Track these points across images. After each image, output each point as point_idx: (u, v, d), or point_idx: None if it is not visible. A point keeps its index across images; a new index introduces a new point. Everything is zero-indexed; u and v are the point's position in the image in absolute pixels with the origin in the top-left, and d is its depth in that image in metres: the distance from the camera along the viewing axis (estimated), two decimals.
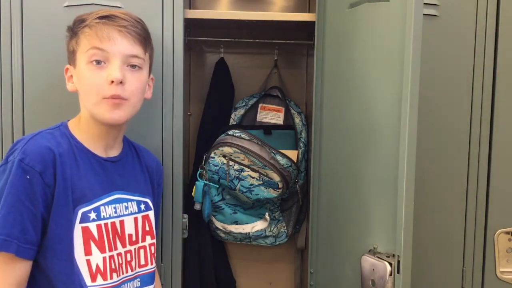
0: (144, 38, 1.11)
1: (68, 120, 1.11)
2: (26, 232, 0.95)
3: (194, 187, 1.60)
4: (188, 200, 1.61)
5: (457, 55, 1.39)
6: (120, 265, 1.08)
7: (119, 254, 1.08)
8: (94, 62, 1.04)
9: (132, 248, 1.12)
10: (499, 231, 1.42)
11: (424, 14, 1.05)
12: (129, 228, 1.12)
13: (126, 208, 1.11)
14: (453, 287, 1.43)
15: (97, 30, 1.05)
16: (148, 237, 1.17)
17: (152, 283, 1.18)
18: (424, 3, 1.05)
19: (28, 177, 0.94)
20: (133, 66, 1.08)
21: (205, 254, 1.71)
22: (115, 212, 1.08)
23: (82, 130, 1.08)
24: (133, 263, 1.12)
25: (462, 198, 1.41)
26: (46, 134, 1.03)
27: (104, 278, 1.04)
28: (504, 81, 1.40)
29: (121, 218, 1.10)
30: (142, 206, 1.16)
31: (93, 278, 1.02)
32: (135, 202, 1.14)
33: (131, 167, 1.18)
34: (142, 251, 1.15)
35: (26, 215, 0.95)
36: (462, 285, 1.43)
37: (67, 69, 1.11)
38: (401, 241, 1.03)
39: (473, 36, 1.39)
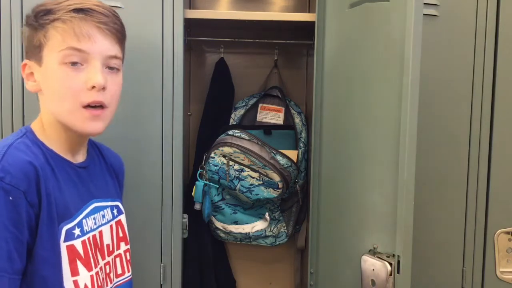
0: (122, 35, 0.99)
1: (30, 124, 0.98)
2: (13, 261, 0.82)
3: (194, 187, 1.60)
4: (188, 200, 1.61)
5: (457, 55, 1.39)
6: (103, 279, 0.99)
7: (101, 268, 0.99)
8: (70, 64, 0.90)
9: (110, 259, 1.03)
10: (499, 231, 1.42)
11: (424, 14, 1.05)
12: (107, 238, 1.02)
13: (103, 216, 1.02)
14: (453, 287, 1.43)
15: (74, 26, 0.90)
16: (122, 244, 1.07)
17: None
18: (424, 3, 1.05)
19: (10, 198, 0.81)
20: (111, 68, 0.96)
21: (205, 254, 1.71)
22: (95, 223, 0.99)
23: (48, 136, 0.95)
24: (111, 275, 1.03)
25: (462, 198, 1.41)
26: (19, 145, 0.89)
27: None
28: (504, 81, 1.40)
29: (100, 229, 1.00)
30: (115, 211, 1.07)
31: None
32: (109, 208, 1.05)
33: (99, 171, 1.07)
34: (118, 259, 1.06)
35: (11, 242, 0.81)
36: (462, 285, 1.43)
37: (26, 65, 0.96)
38: (401, 241, 1.04)
39: (473, 36, 1.39)
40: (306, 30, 1.63)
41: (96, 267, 0.96)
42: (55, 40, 0.91)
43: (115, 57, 0.96)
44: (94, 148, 1.09)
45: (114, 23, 0.96)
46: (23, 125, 1.31)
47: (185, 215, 1.45)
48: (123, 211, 1.10)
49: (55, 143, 0.95)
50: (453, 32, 1.39)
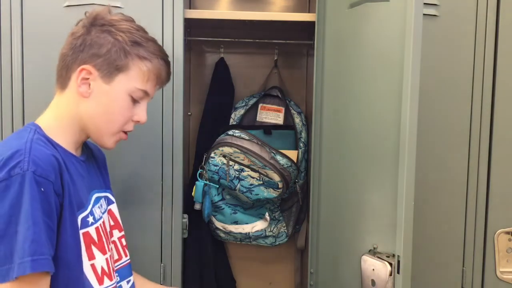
0: None
1: (33, 122, 1.01)
2: (50, 248, 0.89)
3: (194, 187, 1.60)
4: (188, 200, 1.61)
5: (457, 55, 1.39)
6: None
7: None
8: (133, 98, 1.01)
9: (110, 246, 1.09)
10: (499, 231, 1.42)
11: (424, 14, 1.05)
12: (107, 226, 1.09)
13: (101, 206, 1.08)
14: (453, 287, 1.43)
15: (159, 75, 1.03)
16: (115, 231, 1.13)
17: (130, 275, 1.15)
18: (424, 3, 1.05)
19: (42, 189, 0.88)
20: None
21: (205, 254, 1.71)
22: (101, 211, 1.06)
23: (60, 133, 1.00)
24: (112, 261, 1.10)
25: (462, 198, 1.41)
26: (38, 140, 0.94)
27: (110, 279, 1.02)
28: (504, 81, 1.40)
29: (103, 217, 1.07)
30: (106, 201, 1.12)
31: (100, 281, 0.99)
32: (103, 198, 1.11)
33: (92, 163, 1.12)
34: (112, 246, 1.11)
35: (47, 232, 0.88)
36: (462, 285, 1.43)
37: (87, 71, 0.98)
38: (401, 241, 1.04)
39: (473, 36, 1.39)
40: (306, 30, 1.63)
41: (109, 250, 1.04)
42: (135, 75, 1.00)
43: None
44: (84, 143, 1.14)
45: None
46: (23, 125, 1.31)
47: (185, 215, 1.45)
48: (114, 200, 1.16)
49: (64, 141, 1.00)
50: (453, 32, 1.39)
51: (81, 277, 0.96)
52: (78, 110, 1.00)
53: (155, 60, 1.02)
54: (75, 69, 0.98)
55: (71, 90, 1.00)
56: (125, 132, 1.05)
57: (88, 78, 0.98)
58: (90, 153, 1.14)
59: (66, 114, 1.01)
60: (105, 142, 1.03)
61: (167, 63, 1.06)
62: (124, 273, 1.13)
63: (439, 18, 1.38)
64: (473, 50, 1.40)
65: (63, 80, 1.01)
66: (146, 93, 1.03)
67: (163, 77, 1.06)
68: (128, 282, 1.13)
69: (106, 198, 1.12)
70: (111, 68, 0.98)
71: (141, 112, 1.03)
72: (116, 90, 0.99)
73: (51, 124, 1.00)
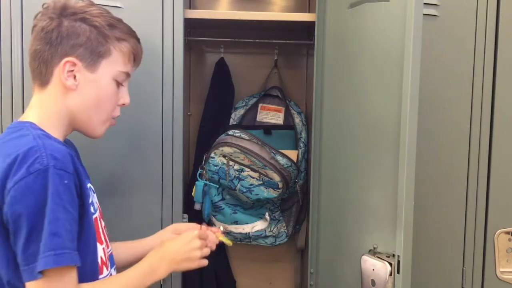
0: None
1: (22, 121, 0.98)
2: (74, 240, 0.89)
3: (194, 187, 1.60)
4: (188, 200, 1.61)
5: (457, 55, 1.39)
6: None
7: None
8: (117, 82, 1.02)
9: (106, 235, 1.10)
10: (499, 231, 1.42)
11: (424, 14, 1.05)
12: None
13: (93, 195, 1.07)
14: (453, 287, 1.43)
15: (137, 54, 1.04)
16: (102, 221, 1.11)
17: (114, 264, 1.13)
18: (424, 3, 1.05)
19: (65, 182, 0.88)
20: None
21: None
22: (95, 201, 1.06)
23: (53, 130, 0.98)
24: None
25: (462, 198, 1.41)
26: (43, 136, 0.92)
27: (107, 268, 1.03)
28: (504, 81, 1.40)
29: (98, 206, 1.08)
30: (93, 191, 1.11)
31: (101, 271, 1.00)
32: (92, 188, 1.10)
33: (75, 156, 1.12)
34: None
35: (73, 223, 0.89)
36: (462, 285, 1.43)
37: (71, 63, 0.96)
38: (401, 241, 1.04)
39: (473, 36, 1.39)
40: (306, 30, 1.63)
41: (105, 241, 1.04)
42: (117, 58, 1.00)
43: None
44: None
45: None
46: None
47: (185, 215, 1.45)
48: (94, 190, 1.12)
49: (59, 135, 0.99)
50: (453, 32, 1.39)
51: (95, 264, 0.98)
52: (65, 104, 0.98)
53: (131, 40, 1.03)
54: (57, 63, 0.96)
55: (55, 85, 0.97)
56: (113, 118, 1.05)
57: (73, 70, 0.96)
58: (71, 145, 1.13)
59: (54, 111, 0.98)
60: (96, 131, 1.03)
61: (139, 41, 1.06)
62: (112, 261, 1.11)
63: (439, 18, 1.38)
64: (473, 50, 1.40)
65: (43, 76, 0.97)
66: (128, 75, 1.03)
67: (140, 56, 1.06)
68: (115, 269, 1.11)
69: (91, 188, 1.10)
70: (94, 56, 0.97)
71: (125, 95, 1.04)
72: (102, 78, 0.99)
73: (41, 122, 0.97)
